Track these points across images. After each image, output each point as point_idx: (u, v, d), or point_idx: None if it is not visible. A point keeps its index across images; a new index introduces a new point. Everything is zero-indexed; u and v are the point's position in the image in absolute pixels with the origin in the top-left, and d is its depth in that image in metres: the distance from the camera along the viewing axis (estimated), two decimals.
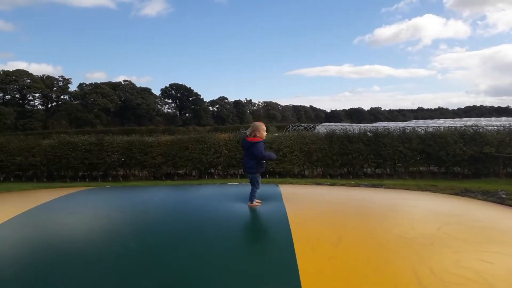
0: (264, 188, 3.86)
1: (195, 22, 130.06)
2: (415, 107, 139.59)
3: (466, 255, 2.41)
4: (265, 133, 3.57)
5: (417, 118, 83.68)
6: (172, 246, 2.48)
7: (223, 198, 4.18)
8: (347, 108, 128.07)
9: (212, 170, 15.14)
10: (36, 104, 69.44)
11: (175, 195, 4.48)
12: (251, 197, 3.36)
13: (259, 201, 3.38)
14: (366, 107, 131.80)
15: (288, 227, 2.77)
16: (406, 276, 2.07)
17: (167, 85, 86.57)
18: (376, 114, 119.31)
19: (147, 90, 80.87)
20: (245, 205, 3.36)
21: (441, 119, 49.99)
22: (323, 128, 39.26)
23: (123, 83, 79.38)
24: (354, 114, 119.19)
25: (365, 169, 14.63)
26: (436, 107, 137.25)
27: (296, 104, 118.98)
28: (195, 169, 14.80)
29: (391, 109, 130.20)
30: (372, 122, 72.24)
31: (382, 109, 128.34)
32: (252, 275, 2.11)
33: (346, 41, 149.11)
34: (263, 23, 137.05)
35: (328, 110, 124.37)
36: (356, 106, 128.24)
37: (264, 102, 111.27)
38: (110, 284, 1.95)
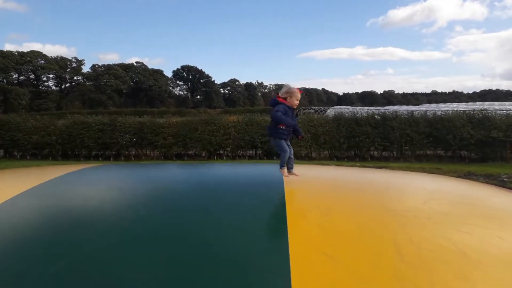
0: (268, 166, 4.08)
1: (207, 3, 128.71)
2: (429, 90, 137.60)
3: (446, 226, 2.59)
4: (297, 102, 3.30)
5: (430, 102, 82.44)
6: (175, 212, 2.75)
7: (224, 173, 4.47)
8: (359, 91, 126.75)
9: (221, 151, 15.44)
10: (50, 85, 70.46)
11: (181, 171, 4.76)
12: (281, 162, 3.29)
13: (296, 173, 3.36)
14: (379, 90, 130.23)
15: (283, 199, 3.00)
16: (386, 242, 2.25)
17: (179, 67, 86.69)
18: (389, 97, 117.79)
19: (159, 72, 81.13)
20: (242, 176, 3.53)
21: (454, 103, 49.23)
22: (333, 111, 39.14)
23: (135, 64, 79.76)
24: (367, 98, 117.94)
25: (372, 152, 14.76)
26: (451, 90, 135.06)
27: (307, 87, 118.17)
28: (205, 150, 15.13)
29: (405, 92, 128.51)
30: (384, 105, 71.40)
31: (395, 92, 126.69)
32: (246, 235, 2.35)
33: (359, 23, 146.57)
34: (275, 5, 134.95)
35: (340, 93, 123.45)
36: (368, 89, 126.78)
37: (276, 85, 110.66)
38: (120, 246, 2.22)
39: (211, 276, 1.86)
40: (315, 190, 3.46)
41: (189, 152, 15.51)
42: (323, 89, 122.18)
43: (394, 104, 78.09)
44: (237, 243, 2.24)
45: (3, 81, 60.93)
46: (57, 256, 2.02)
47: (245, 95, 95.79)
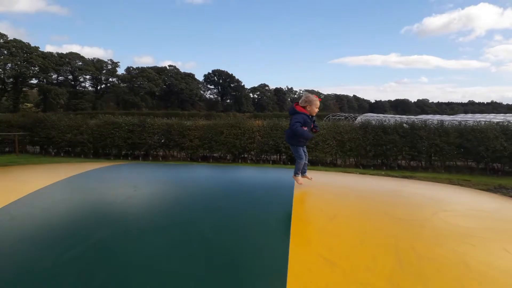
0: (283, 171, 4.12)
1: (240, 9, 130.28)
2: (465, 100, 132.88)
3: (451, 237, 2.56)
4: (316, 109, 3.30)
5: (466, 112, 79.53)
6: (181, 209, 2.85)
7: (236, 174, 4.54)
8: (392, 99, 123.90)
9: (246, 155, 15.56)
10: (87, 86, 73.21)
11: (193, 172, 4.87)
12: (296, 169, 3.26)
13: (308, 177, 3.33)
14: (413, 98, 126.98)
15: (291, 203, 3.04)
16: (387, 250, 2.24)
17: (210, 71, 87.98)
18: (423, 106, 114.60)
19: (190, 76, 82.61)
20: (254, 179, 3.59)
21: (491, 114, 47.26)
22: (364, 119, 38.50)
23: (168, 68, 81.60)
24: (400, 106, 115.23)
25: (399, 161, 14.45)
26: (489, 101, 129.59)
27: (338, 93, 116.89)
28: (229, 153, 15.30)
29: (439, 101, 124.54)
30: (418, 114, 69.48)
31: (430, 101, 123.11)
32: (247, 236, 2.41)
33: (393, 30, 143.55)
34: (307, 10, 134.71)
35: (373, 101, 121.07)
36: (401, 97, 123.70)
37: (305, 90, 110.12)
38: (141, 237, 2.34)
39: (202, 274, 1.89)
40: (324, 196, 3.46)
41: (214, 155, 15.73)
42: (354, 96, 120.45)
43: (427, 113, 75.93)
44: (237, 243, 2.30)
45: (43, 81, 63.92)
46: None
47: (274, 100, 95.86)
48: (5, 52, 57.61)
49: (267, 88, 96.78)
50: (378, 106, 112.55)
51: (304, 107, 3.29)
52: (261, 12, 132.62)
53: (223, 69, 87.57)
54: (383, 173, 12.14)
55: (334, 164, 15.09)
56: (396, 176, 10.29)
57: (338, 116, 53.66)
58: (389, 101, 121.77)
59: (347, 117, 51.47)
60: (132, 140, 15.68)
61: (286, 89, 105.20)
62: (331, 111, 78.08)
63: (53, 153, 16.42)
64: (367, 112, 71.61)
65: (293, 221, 2.60)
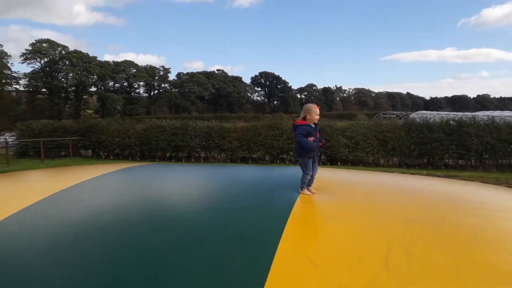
0: (296, 170, 4.07)
1: (286, 10, 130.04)
2: None
3: (451, 240, 2.40)
4: (317, 117, 3.38)
5: None
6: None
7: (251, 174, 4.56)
8: (449, 95, 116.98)
9: (284, 156, 15.51)
10: (141, 92, 76.93)
11: (211, 172, 4.95)
12: (301, 184, 3.30)
13: (313, 191, 3.32)
14: (472, 94, 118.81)
15: (293, 203, 3.03)
16: (377, 251, 2.18)
17: (257, 74, 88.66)
18: (483, 102, 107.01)
19: (238, 79, 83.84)
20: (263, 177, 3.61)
21: None
22: (417, 116, 36.73)
23: (216, 72, 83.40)
24: (457, 102, 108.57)
25: (447, 160, 13.65)
26: None
27: (390, 91, 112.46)
28: (268, 154, 15.34)
29: (502, 96, 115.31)
30: (477, 110, 65.04)
31: (491, 97, 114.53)
32: (240, 233, 2.45)
33: (449, 23, 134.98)
34: (356, 6, 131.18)
35: (427, 98, 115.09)
36: (459, 93, 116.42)
37: (356, 89, 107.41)
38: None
39: (184, 269, 1.98)
40: (329, 196, 3.40)
41: (253, 156, 15.84)
42: (408, 93, 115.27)
43: (488, 109, 70.87)
44: (227, 241, 2.34)
45: (101, 89, 68.17)
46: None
47: (322, 100, 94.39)
48: (67, 62, 62.12)
49: (314, 88, 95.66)
50: (434, 103, 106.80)
51: (304, 118, 3.39)
52: (307, 11, 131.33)
53: (269, 71, 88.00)
54: (425, 172, 11.54)
55: (376, 164, 14.60)
56: (438, 176, 9.73)
57: (389, 115, 51.76)
58: (446, 98, 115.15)
59: (398, 115, 49.51)
60: (175, 142, 16.25)
61: (335, 88, 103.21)
62: (383, 109, 75.48)
63: (103, 156, 17.44)
64: (422, 110, 68.23)
65: (289, 221, 2.59)
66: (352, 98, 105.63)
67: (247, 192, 3.55)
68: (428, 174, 10.44)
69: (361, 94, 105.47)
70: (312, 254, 2.18)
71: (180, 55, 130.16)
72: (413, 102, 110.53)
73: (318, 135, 3.47)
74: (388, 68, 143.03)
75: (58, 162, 14.30)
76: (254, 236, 2.50)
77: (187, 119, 18.37)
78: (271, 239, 2.28)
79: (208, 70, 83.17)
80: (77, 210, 2.93)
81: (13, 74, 59.81)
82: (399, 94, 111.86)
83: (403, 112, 55.31)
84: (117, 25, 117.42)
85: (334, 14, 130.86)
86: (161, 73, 76.65)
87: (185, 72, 79.70)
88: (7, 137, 22.87)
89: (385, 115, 50.78)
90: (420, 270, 1.98)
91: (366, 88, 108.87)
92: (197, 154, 16.68)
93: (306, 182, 3.28)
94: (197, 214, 2.92)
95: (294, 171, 5.68)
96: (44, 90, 62.48)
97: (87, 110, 70.15)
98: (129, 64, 71.75)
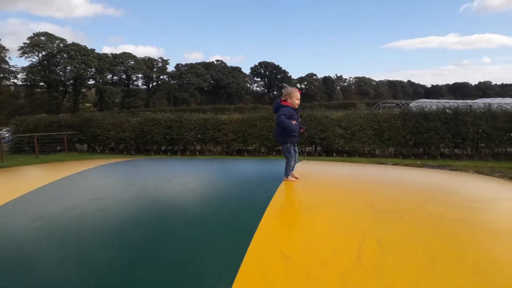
0: (279, 163, 4.00)
1: None
2: None
3: (428, 230, 2.33)
4: (297, 101, 3.31)
5: None
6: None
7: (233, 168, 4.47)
8: (450, 83, 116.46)
9: (280, 148, 15.41)
10: (139, 84, 76.65)
11: (194, 165, 4.86)
12: (286, 171, 3.21)
13: (296, 176, 3.22)
14: (474, 81, 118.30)
15: (271, 195, 2.96)
16: (351, 243, 2.12)
17: (257, 64, 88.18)
18: (485, 89, 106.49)
19: (237, 69, 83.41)
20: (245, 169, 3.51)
21: None
22: (417, 105, 36.49)
23: (215, 63, 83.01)
24: (459, 90, 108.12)
25: (443, 150, 13.54)
26: None
27: (391, 79, 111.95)
28: (263, 146, 15.23)
29: (504, 83, 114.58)
30: (478, 98, 64.65)
31: (493, 84, 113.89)
32: (214, 226, 2.40)
33: (451, 9, 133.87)
34: None
35: (429, 85, 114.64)
36: (461, 81, 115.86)
37: (356, 78, 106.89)
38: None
39: (153, 262, 1.97)
40: (309, 187, 3.33)
41: (249, 148, 15.74)
42: (408, 81, 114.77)
43: (490, 96, 70.48)
44: (199, 237, 2.28)
45: (99, 82, 67.88)
46: None
47: (322, 90, 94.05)
48: (65, 55, 61.84)
49: (314, 77, 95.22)
50: (435, 91, 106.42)
51: (285, 101, 3.29)
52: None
53: (269, 61, 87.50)
54: (418, 162, 11.44)
55: (372, 154, 14.50)
56: (431, 165, 9.63)
57: (389, 104, 51.47)
58: (447, 85, 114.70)
59: (398, 104, 49.23)
60: (170, 135, 16.13)
61: (335, 77, 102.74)
62: (384, 98, 75.08)
63: (98, 150, 17.36)
64: (422, 98, 67.94)
65: (266, 213, 2.52)
66: (353, 87, 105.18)
67: (230, 185, 3.48)
68: (422, 164, 10.34)
69: (362, 83, 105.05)
70: (285, 246, 2.14)
71: (179, 46, 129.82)
72: (414, 90, 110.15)
73: (299, 120, 3.36)
74: (389, 56, 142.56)
75: (52, 157, 14.21)
76: (229, 229, 2.47)
77: (185, 111, 18.25)
78: (246, 232, 2.24)
79: (207, 61, 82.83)
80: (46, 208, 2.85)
81: (11, 68, 59.69)
82: (400, 82, 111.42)
83: (403, 101, 55.00)
84: (116, 16, 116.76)
85: (334, 1, 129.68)
86: (160, 64, 76.34)
87: (183, 64, 79.36)
88: (4, 132, 22.83)
89: (385, 105, 50.54)
90: (392, 262, 1.93)
91: (367, 76, 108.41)
92: (192, 147, 16.58)
93: (290, 169, 3.22)
94: (173, 208, 2.88)
95: (273, 163, 5.60)
96: (42, 84, 62.34)
97: (85, 104, 70.06)
98: (127, 56, 71.40)
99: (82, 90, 67.76)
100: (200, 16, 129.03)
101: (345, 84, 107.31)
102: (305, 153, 14.90)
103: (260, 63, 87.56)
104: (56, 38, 62.52)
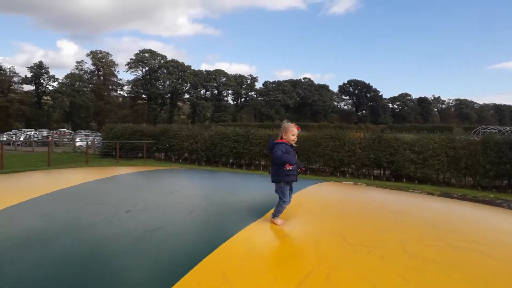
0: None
1: (382, 16, 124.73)
2: None
3: (391, 268, 2.13)
4: (293, 137, 3.04)
5: None
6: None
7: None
8: None
9: (345, 168, 14.85)
10: (229, 99, 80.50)
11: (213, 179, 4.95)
12: (275, 212, 2.91)
13: (281, 221, 2.88)
14: None
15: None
16: (297, 273, 2.09)
17: (345, 82, 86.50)
18: None
19: (324, 87, 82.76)
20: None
21: None
22: None
23: (302, 80, 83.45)
24: None
25: None
26: None
27: (498, 103, 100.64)
28: (326, 166, 14.83)
29: None
30: None
31: None
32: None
33: None
34: (458, 8, 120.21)
35: None
36: None
37: (456, 100, 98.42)
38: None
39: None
40: (296, 211, 3.18)
41: (312, 167, 15.44)
42: None
43: None
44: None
45: (193, 96, 72.99)
46: None
47: (417, 111, 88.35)
48: (165, 71, 67.90)
49: (408, 97, 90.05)
50: None
51: (281, 138, 3.08)
52: (404, 15, 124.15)
53: (359, 79, 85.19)
54: (492, 196, 10.02)
55: (447, 183, 13.18)
56: (506, 200, 8.28)
57: (490, 129, 46.19)
58: None
59: (501, 130, 43.94)
60: (237, 149, 16.60)
61: (432, 98, 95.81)
62: (487, 123, 67.66)
63: (173, 159, 18.57)
64: None
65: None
66: (453, 109, 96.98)
67: (205, 205, 3.45)
68: (494, 198, 9.07)
69: (463, 106, 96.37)
70: (228, 270, 2.13)
71: (270, 64, 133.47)
72: None
73: (297, 158, 3.17)
74: (497, 78, 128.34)
75: (126, 163, 15.61)
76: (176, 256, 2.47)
77: (269, 127, 18.60)
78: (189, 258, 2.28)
79: (296, 79, 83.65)
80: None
81: (119, 81, 67.38)
82: (509, 107, 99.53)
83: (508, 128, 48.91)
84: (214, 35, 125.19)
85: (435, 18, 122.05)
86: (249, 81, 79.35)
87: (271, 81, 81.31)
88: (95, 138, 25.69)
89: (485, 130, 45.52)
90: None
91: (469, 99, 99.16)
92: (257, 162, 16.83)
93: (281, 212, 2.93)
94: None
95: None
96: (143, 96, 69.15)
97: (181, 116, 75.77)
98: (220, 73, 75.70)
99: (178, 103, 73.45)
100: (293, 34, 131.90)
101: (444, 106, 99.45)
102: (372, 176, 14.14)
103: (349, 81, 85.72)
104: (158, 55, 69.12)
